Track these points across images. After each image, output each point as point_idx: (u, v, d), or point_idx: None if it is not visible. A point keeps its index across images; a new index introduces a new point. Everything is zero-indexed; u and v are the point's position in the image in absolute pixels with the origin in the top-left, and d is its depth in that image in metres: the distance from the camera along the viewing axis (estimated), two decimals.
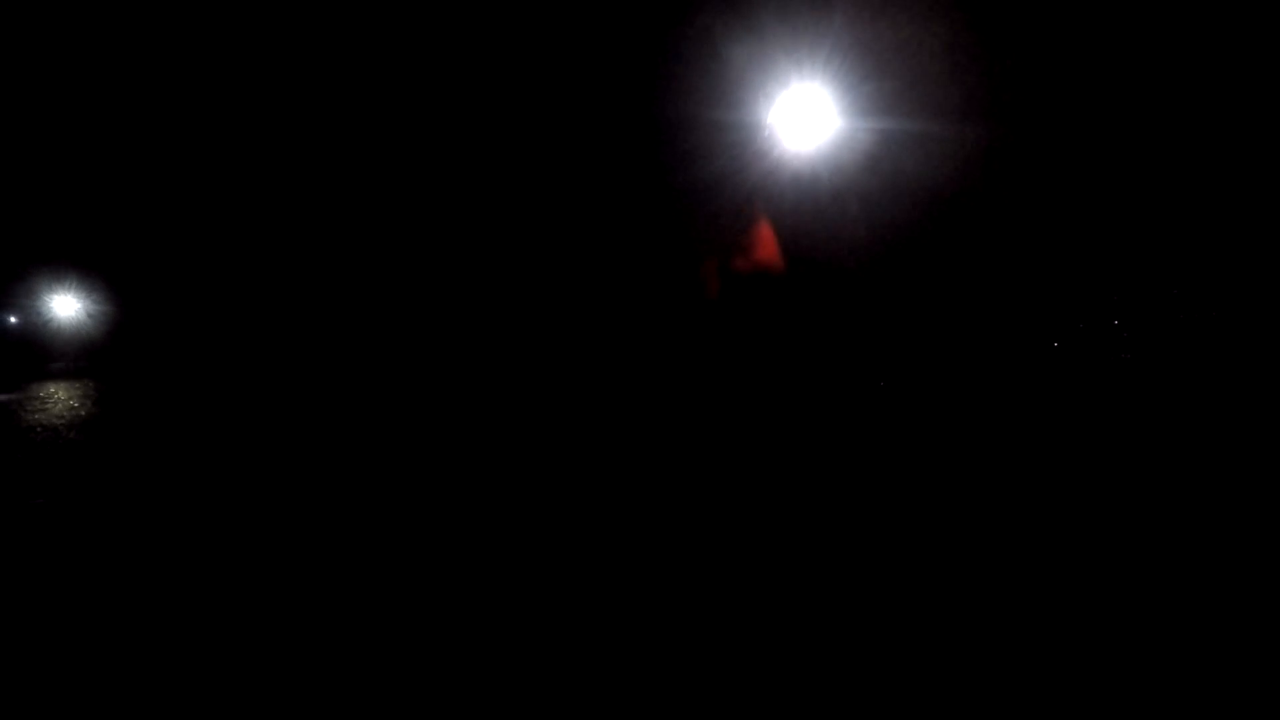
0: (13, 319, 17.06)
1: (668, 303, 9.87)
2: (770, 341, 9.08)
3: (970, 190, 8.55)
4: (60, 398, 12.98)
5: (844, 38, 8.06)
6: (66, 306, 16.29)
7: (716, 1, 8.51)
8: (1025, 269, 8.83)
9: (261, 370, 14.29)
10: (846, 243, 8.74)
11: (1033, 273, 8.76)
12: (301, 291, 14.74)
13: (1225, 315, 8.13)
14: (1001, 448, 6.01)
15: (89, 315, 16.19)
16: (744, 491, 5.04)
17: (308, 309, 14.65)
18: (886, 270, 9.02)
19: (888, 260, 9.02)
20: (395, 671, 2.71)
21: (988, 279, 8.88)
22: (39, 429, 9.95)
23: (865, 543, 3.92)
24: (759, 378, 8.96)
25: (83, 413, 11.56)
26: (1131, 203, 8.65)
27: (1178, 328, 8.19)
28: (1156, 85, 8.38)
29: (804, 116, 8.42)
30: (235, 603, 3.44)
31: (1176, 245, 8.50)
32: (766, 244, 9.01)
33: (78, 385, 14.29)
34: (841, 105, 8.26)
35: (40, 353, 15.94)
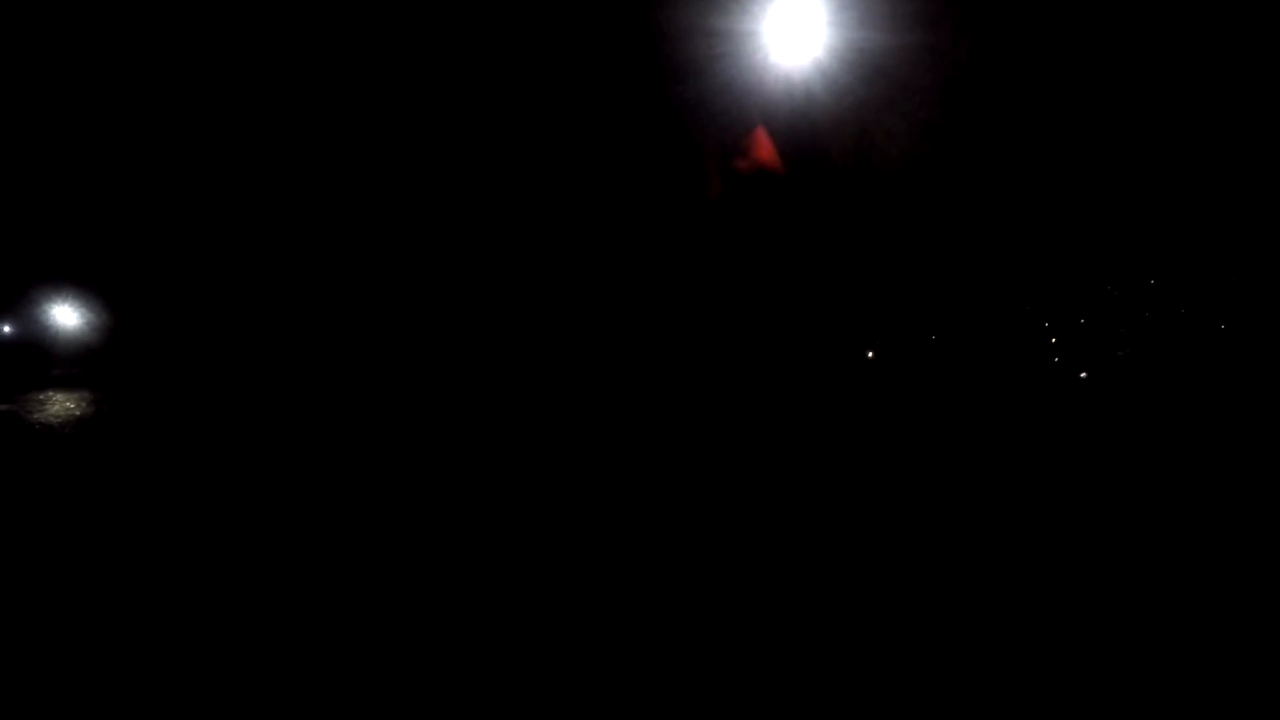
0: (7, 328, 16.84)
1: (671, 206, 9.71)
2: (769, 246, 8.94)
3: (957, 106, 8.49)
4: (60, 405, 12.85)
5: None
6: (66, 315, 16.11)
7: None
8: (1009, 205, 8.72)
9: (258, 374, 14.15)
10: (837, 151, 8.66)
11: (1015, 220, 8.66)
12: (297, 297, 14.65)
13: (1222, 309, 8.08)
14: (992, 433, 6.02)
15: (88, 323, 16.03)
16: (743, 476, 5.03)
17: (304, 314, 14.55)
18: (875, 182, 8.88)
19: (878, 172, 8.88)
20: (394, 671, 2.69)
21: (974, 208, 8.78)
22: (38, 437, 9.74)
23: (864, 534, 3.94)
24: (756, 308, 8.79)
25: (82, 419, 11.37)
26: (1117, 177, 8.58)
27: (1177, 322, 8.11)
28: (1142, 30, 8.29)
29: (796, 26, 8.30)
30: (235, 604, 3.44)
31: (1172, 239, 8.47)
32: (764, 147, 8.94)
33: (78, 393, 14.23)
34: (833, 15, 8.18)
35: (40, 361, 15.75)
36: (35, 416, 11.59)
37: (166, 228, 15.13)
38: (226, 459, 7.42)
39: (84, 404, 12.97)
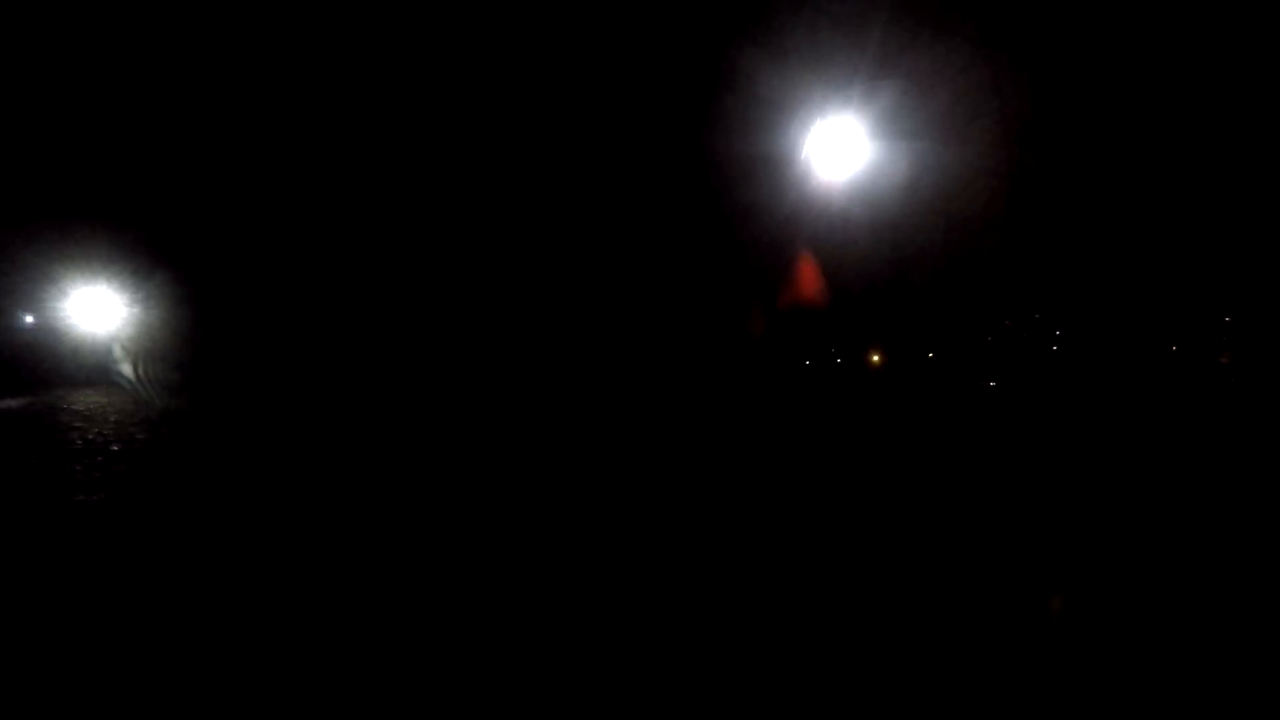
0: (28, 321, 17.01)
1: (712, 332, 9.93)
2: (813, 375, 9.14)
3: (998, 214, 8.65)
4: (73, 403, 12.86)
5: (878, 68, 8.05)
6: (85, 311, 16.22)
7: (753, 35, 8.58)
8: (1053, 290, 8.93)
9: (271, 375, 14.25)
10: (879, 267, 8.88)
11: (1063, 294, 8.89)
12: (318, 295, 14.75)
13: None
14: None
15: (110, 319, 16.15)
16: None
17: (325, 312, 14.65)
18: (914, 292, 9.17)
19: (916, 282, 9.16)
20: (394, 671, 2.67)
21: (1015, 301, 9.02)
22: (49, 435, 9.72)
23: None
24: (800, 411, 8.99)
25: (100, 416, 11.46)
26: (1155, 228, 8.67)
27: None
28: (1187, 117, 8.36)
29: (839, 145, 8.45)
30: (238, 602, 3.42)
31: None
32: (809, 279, 8.98)
33: (93, 391, 14.14)
34: (875, 133, 8.19)
35: (56, 358, 15.88)
36: (51, 412, 11.59)
37: (189, 223, 15.25)
38: (238, 458, 7.44)
39: (102, 400, 12.94)
